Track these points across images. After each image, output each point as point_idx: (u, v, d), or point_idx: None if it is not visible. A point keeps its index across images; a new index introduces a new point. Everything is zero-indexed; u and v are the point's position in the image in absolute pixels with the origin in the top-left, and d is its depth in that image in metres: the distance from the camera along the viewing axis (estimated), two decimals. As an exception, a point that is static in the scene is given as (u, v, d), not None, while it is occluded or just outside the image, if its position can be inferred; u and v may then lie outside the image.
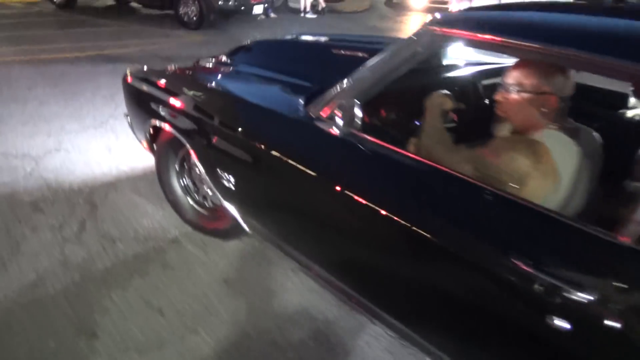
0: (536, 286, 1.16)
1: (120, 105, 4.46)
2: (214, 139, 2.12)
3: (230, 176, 2.08)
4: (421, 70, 2.17)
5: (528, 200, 1.28)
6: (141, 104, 2.62)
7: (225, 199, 2.19)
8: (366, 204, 1.55)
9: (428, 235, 1.41)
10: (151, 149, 2.78)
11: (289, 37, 3.44)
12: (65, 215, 2.75)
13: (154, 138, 2.68)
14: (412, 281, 1.56)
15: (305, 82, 2.30)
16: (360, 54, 2.94)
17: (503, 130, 1.70)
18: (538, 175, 1.39)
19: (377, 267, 1.67)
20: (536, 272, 1.16)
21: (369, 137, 1.66)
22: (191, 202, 2.66)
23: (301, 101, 1.97)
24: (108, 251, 2.46)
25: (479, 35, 1.48)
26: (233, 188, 2.10)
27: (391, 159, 1.60)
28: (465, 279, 1.37)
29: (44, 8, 10.01)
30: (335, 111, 1.71)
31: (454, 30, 1.54)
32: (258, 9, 9.23)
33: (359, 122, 1.68)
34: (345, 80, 1.80)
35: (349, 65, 2.14)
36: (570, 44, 1.27)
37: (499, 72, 2.57)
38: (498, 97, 1.64)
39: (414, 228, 1.43)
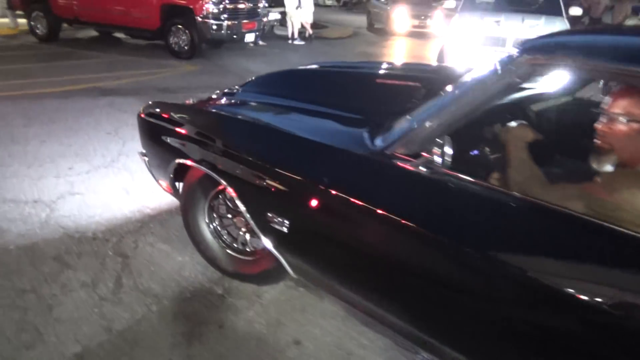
0: None
1: (128, 141, 4.22)
2: (265, 180, 1.90)
3: (284, 219, 1.87)
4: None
5: None
6: (162, 142, 2.41)
7: (273, 242, 1.97)
8: (462, 246, 1.43)
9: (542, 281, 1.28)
10: (174, 191, 2.56)
11: (311, 66, 3.28)
12: (96, 269, 2.46)
13: (178, 178, 2.46)
14: (509, 331, 1.41)
15: (352, 114, 2.14)
16: (393, 82, 2.79)
17: (606, 163, 1.55)
18: None
19: (473, 316, 1.48)
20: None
21: (461, 175, 1.51)
22: (223, 246, 2.42)
23: (366, 136, 1.82)
24: (154, 311, 2.18)
25: (588, 61, 1.36)
26: (286, 231, 1.88)
27: (487, 197, 1.48)
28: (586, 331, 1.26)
29: (25, 41, 9.65)
30: (422, 149, 1.58)
31: (555, 58, 1.41)
32: (250, 37, 9.10)
33: (449, 160, 1.51)
34: (423, 114, 1.67)
35: (387, 94, 2.00)
36: None
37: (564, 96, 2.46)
38: (601, 127, 1.50)
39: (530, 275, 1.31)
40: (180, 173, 2.42)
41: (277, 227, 1.90)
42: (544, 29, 6.48)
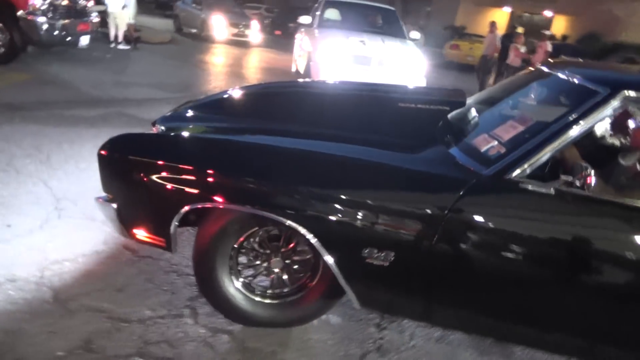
0: None
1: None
2: (365, 216, 1.78)
3: (384, 253, 1.78)
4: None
5: None
6: (156, 183, 1.94)
7: (347, 276, 1.87)
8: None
9: None
10: (166, 241, 2.03)
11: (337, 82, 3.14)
12: None
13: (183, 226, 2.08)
14: None
15: (395, 139, 2.20)
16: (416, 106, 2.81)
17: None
18: None
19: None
20: None
21: (595, 196, 1.74)
22: (256, 297, 2.12)
23: (465, 160, 1.90)
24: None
25: None
26: (387, 265, 1.80)
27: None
28: None
29: None
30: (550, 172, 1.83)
31: None
32: (85, 40, 7.77)
33: (578, 182, 1.72)
34: (540, 140, 1.80)
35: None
36: None
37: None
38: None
39: None
40: (188, 221, 2.05)
41: (373, 261, 1.81)
42: (401, 50, 7.32)
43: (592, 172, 1.68)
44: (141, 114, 5.49)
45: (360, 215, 1.78)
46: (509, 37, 11.75)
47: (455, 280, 1.86)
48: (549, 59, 10.81)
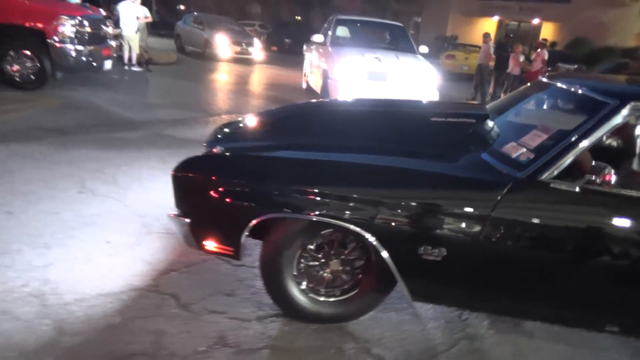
0: None
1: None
2: (420, 217, 2.09)
3: (437, 249, 2.05)
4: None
5: None
6: (227, 198, 2.20)
7: (404, 272, 2.13)
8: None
9: None
10: (234, 250, 2.26)
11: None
12: None
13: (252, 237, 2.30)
14: None
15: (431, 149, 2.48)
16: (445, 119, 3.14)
17: None
18: None
19: None
20: None
21: (614, 191, 2.04)
22: (319, 297, 2.36)
23: (499, 165, 2.18)
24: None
25: None
26: (440, 259, 2.06)
27: None
28: None
29: None
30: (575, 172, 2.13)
31: None
32: (108, 64, 8.05)
33: (599, 180, 2.03)
34: (565, 144, 2.09)
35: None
36: None
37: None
38: None
39: None
40: (259, 231, 2.25)
41: (428, 257, 2.06)
42: (415, 65, 7.69)
43: (612, 171, 1.99)
44: (178, 134, 5.76)
45: (415, 217, 2.08)
46: (503, 46, 12.23)
47: (500, 271, 2.16)
48: (548, 68, 11.33)
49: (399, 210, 2.08)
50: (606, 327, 2.21)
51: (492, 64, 11.74)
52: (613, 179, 1.98)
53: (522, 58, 10.93)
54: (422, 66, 7.74)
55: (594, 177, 2.00)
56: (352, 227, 2.08)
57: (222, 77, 11.77)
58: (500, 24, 26.00)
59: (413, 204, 2.09)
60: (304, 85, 10.37)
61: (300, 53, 16.30)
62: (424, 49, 8.59)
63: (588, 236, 2.09)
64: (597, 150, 2.78)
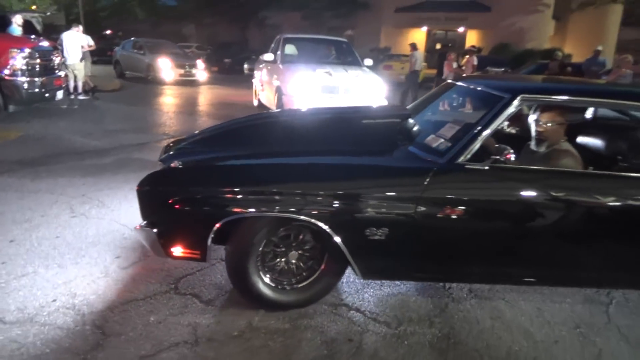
0: None
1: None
2: (365, 205, 2.38)
3: (381, 229, 2.36)
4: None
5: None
6: (190, 205, 2.42)
7: (354, 253, 2.41)
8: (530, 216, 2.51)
9: None
10: (201, 253, 2.46)
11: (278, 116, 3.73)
12: None
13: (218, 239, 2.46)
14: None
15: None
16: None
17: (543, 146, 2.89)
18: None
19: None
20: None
21: (515, 166, 2.47)
22: (282, 287, 2.60)
23: (422, 154, 2.56)
24: None
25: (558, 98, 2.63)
26: (384, 238, 2.37)
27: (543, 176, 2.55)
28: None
29: None
30: (483, 154, 2.49)
31: (537, 96, 2.65)
32: (59, 94, 8.02)
33: (503, 159, 2.44)
34: (472, 133, 2.49)
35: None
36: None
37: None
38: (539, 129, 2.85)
39: None
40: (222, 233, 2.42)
41: (374, 237, 2.36)
42: (363, 77, 8.24)
43: (512, 151, 2.42)
44: (146, 156, 5.91)
45: (360, 204, 2.38)
46: (444, 55, 13.18)
47: (434, 243, 2.50)
48: (478, 72, 12.32)
49: (346, 200, 2.38)
50: (524, 279, 2.69)
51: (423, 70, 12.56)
52: (512, 157, 2.36)
53: (454, 65, 11.83)
54: (369, 78, 8.31)
55: (498, 157, 2.41)
56: (306, 218, 2.34)
57: (171, 100, 11.85)
58: (429, 34, 27.57)
59: (358, 193, 2.40)
60: (256, 103, 10.70)
61: (241, 72, 16.34)
62: (368, 61, 9.19)
63: (499, 203, 2.52)
64: (507, 136, 3.38)
